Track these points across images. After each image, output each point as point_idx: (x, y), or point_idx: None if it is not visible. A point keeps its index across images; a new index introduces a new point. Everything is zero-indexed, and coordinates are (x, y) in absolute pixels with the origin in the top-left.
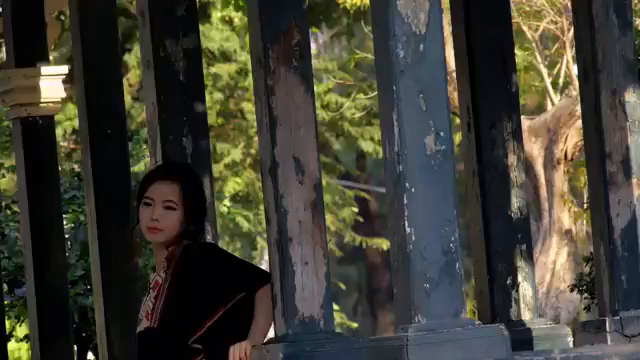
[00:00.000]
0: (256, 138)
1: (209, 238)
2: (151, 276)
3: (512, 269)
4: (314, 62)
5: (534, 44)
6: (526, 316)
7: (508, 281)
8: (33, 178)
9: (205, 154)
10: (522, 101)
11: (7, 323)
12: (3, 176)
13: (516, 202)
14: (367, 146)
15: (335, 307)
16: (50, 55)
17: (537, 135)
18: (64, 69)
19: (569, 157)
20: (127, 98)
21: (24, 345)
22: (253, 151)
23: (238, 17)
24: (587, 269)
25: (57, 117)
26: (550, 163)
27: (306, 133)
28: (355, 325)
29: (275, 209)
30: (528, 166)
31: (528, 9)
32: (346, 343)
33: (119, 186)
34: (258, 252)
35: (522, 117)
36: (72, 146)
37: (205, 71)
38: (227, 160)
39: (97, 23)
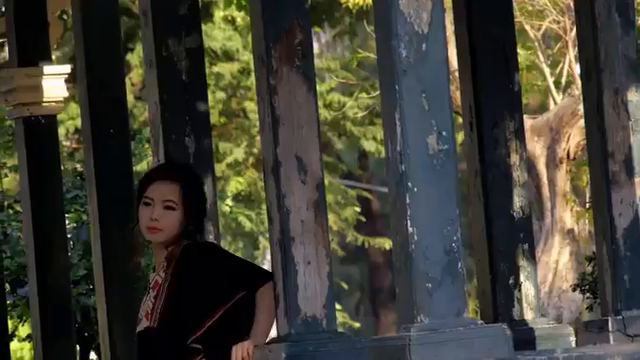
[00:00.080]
0: (258, 137)
1: (211, 238)
2: (151, 276)
3: (514, 268)
4: (316, 61)
5: (536, 43)
6: (528, 316)
7: (510, 280)
8: (35, 177)
9: (207, 153)
10: (524, 100)
11: (9, 323)
12: (5, 175)
13: (518, 201)
14: (369, 146)
15: (337, 307)
16: (53, 54)
17: (539, 134)
18: (67, 68)
19: (571, 156)
20: (130, 97)
21: (26, 345)
22: (255, 150)
23: (241, 16)
24: (589, 268)
25: (59, 116)
26: (552, 162)
27: (308, 132)
28: (357, 325)
29: (277, 208)
30: (530, 165)
31: (530, 8)
32: (348, 343)
33: (122, 186)
34: (260, 252)
35: (524, 116)
36: (74, 145)
37: (207, 70)
38: (229, 159)
39: (100, 22)
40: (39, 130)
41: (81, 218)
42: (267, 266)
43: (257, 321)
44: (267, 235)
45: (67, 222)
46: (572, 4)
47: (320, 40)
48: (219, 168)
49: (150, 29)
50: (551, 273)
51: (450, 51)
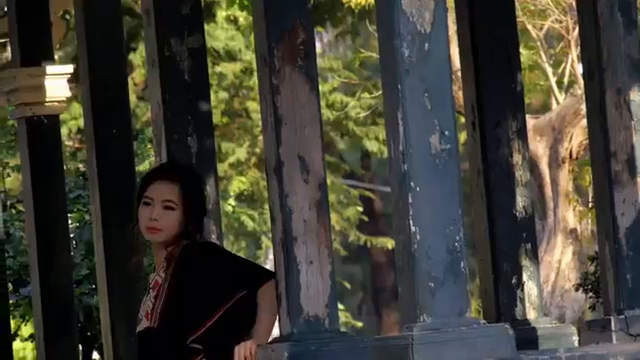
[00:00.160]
0: (261, 137)
1: (214, 237)
2: (151, 276)
3: (517, 268)
4: (319, 61)
5: (539, 43)
6: (531, 315)
7: (513, 280)
8: (38, 177)
9: (210, 153)
10: (527, 100)
11: (12, 322)
12: (8, 175)
13: (521, 201)
14: (372, 145)
15: (340, 306)
16: (55, 54)
17: (542, 134)
18: (69, 68)
19: (574, 156)
20: (132, 97)
21: (29, 344)
22: (258, 150)
23: (243, 16)
24: (592, 268)
25: (62, 116)
26: (555, 162)
27: (311, 132)
28: (360, 324)
29: (280, 208)
30: (533, 165)
31: (533, 8)
32: (351, 342)
33: (124, 185)
34: (263, 251)
35: (527, 116)
36: (77, 145)
37: (210, 70)
38: (232, 159)
39: (102, 22)
40: (42, 130)
41: (84, 218)
42: (269, 266)
43: (259, 320)
44: (269, 235)
45: (70, 222)
46: (574, 4)
47: (322, 40)
48: (221, 168)
49: (153, 29)
50: (554, 273)
51: (452, 50)
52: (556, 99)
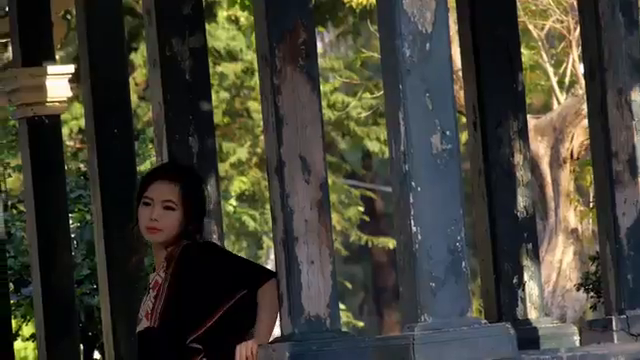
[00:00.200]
0: (262, 137)
1: (215, 237)
2: (151, 276)
3: (518, 268)
4: (320, 61)
5: (540, 43)
6: (532, 315)
7: (514, 280)
8: (39, 177)
9: (211, 153)
10: (528, 100)
11: (13, 322)
12: (9, 175)
13: (522, 201)
14: (373, 146)
15: (341, 306)
16: (56, 54)
17: (543, 134)
18: (70, 68)
19: (575, 156)
20: (133, 97)
21: (30, 344)
22: (259, 150)
23: (244, 16)
24: (593, 268)
25: (63, 116)
26: (556, 162)
27: (312, 132)
28: (361, 324)
29: (281, 208)
30: (534, 165)
31: (534, 8)
32: (352, 342)
33: (125, 185)
34: (264, 251)
35: (528, 116)
36: (78, 145)
37: (211, 70)
38: (233, 159)
39: (103, 22)
40: (43, 130)
41: (85, 218)
42: (271, 266)
43: (260, 320)
44: (271, 235)
45: (71, 222)
46: (576, 4)
47: (324, 40)
48: (223, 168)
49: (154, 29)
50: (555, 272)
51: (454, 50)
52: (557, 99)
